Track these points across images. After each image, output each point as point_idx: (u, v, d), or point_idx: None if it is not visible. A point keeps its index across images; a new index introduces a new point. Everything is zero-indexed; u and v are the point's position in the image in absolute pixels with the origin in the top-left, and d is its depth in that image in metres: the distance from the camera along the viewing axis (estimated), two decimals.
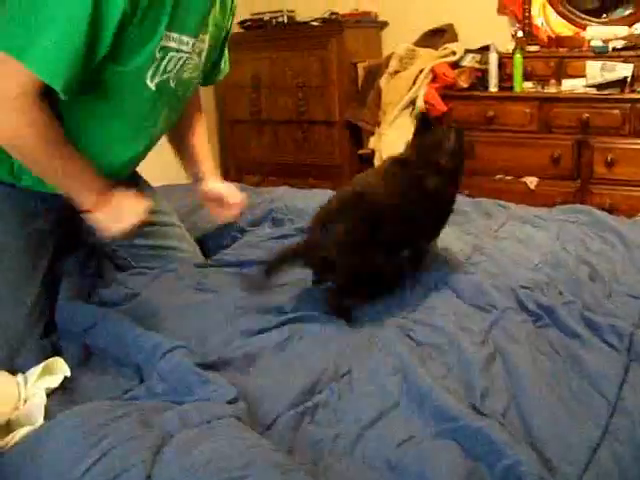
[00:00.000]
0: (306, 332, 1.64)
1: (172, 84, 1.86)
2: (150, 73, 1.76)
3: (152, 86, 1.79)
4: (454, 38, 4.50)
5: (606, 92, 3.73)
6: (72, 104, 1.69)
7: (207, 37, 1.93)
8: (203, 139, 2.30)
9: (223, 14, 2.02)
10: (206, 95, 4.94)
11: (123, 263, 2.15)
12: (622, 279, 1.90)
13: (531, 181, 3.90)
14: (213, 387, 1.35)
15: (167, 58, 1.77)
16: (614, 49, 3.85)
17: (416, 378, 1.41)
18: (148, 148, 2.03)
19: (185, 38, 1.80)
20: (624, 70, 3.72)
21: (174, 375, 1.41)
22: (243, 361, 1.53)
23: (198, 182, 2.24)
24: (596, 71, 3.79)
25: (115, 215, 1.77)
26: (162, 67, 1.78)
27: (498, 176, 4.00)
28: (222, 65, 2.24)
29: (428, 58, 4.27)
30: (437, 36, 4.51)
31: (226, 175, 5.14)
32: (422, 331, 1.64)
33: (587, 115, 3.73)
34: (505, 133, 4.00)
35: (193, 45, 1.85)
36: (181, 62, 1.83)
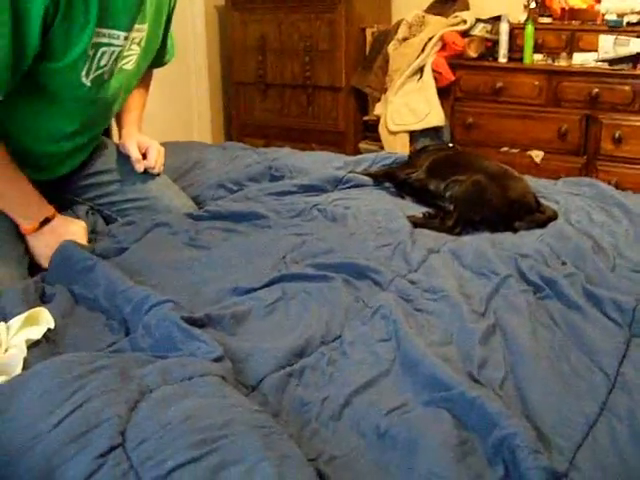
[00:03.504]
0: (298, 292, 1.60)
1: (106, 77, 1.86)
2: (84, 70, 1.77)
3: (87, 82, 1.80)
4: (465, 6, 4.43)
5: (618, 67, 3.67)
6: (9, 104, 1.71)
7: (145, 25, 1.93)
8: (137, 99, 2.30)
9: None
10: (212, 57, 4.90)
11: (110, 220, 2.17)
12: (626, 253, 1.86)
13: (537, 155, 3.85)
14: (198, 344, 1.31)
15: (99, 53, 1.77)
16: (628, 23, 3.78)
17: (410, 345, 1.37)
18: (95, 137, 2.13)
19: (116, 32, 1.80)
20: (638, 46, 3.65)
21: (159, 329, 1.37)
22: (231, 320, 1.48)
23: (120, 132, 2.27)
24: (609, 45, 3.72)
25: (53, 242, 1.77)
26: (95, 63, 1.78)
27: (504, 148, 3.95)
28: (168, 46, 2.27)
29: (438, 26, 4.20)
30: (448, 4, 4.44)
31: (229, 137, 5.10)
32: (421, 295, 1.60)
33: (597, 90, 3.67)
34: (513, 105, 3.94)
35: (126, 38, 1.85)
36: (114, 55, 1.83)
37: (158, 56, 2.20)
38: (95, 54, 1.76)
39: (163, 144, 2.62)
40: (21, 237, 1.85)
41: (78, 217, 2.06)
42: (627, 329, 1.46)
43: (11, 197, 1.82)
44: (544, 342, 1.42)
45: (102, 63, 1.80)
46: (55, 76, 1.74)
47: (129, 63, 1.94)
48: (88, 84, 1.80)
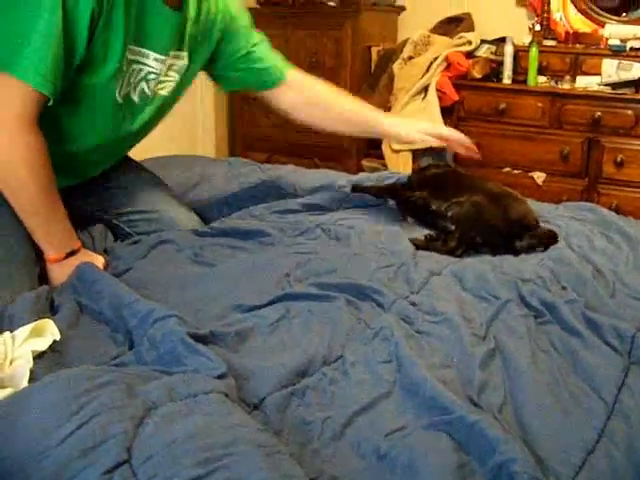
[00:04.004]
0: (301, 311, 1.60)
1: (135, 97, 1.87)
2: (118, 86, 1.79)
3: (119, 98, 1.81)
4: (471, 27, 4.46)
5: (620, 92, 3.69)
6: (46, 118, 1.71)
7: (185, 54, 1.94)
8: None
9: (207, 25, 2.02)
10: None
11: (121, 232, 2.18)
12: (626, 280, 1.86)
13: (538, 176, 3.87)
14: (203, 359, 1.31)
15: (131, 70, 1.79)
16: (632, 49, 3.82)
17: (411, 367, 1.37)
18: (122, 152, 2.13)
19: (147, 52, 1.81)
20: None
21: (164, 344, 1.38)
22: (235, 338, 1.49)
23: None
24: (612, 70, 3.75)
25: (71, 273, 1.78)
26: (126, 80, 1.80)
27: (506, 169, 3.97)
28: (268, 67, 2.27)
29: (443, 46, 4.23)
30: (453, 24, 4.47)
31: (233, 152, 5.11)
32: (422, 317, 1.61)
33: (599, 114, 3.70)
34: (516, 126, 3.97)
35: (162, 62, 1.86)
36: (143, 75, 1.84)
37: (258, 78, 2.24)
38: (127, 70, 1.78)
39: (167, 158, 2.64)
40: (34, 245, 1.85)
41: (93, 238, 2.07)
42: (626, 356, 1.47)
43: (47, 225, 1.80)
44: (543, 367, 1.42)
45: (132, 80, 1.81)
46: (89, 90, 1.75)
47: (164, 89, 1.95)
48: (120, 100, 1.81)
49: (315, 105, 2.32)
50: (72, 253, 1.84)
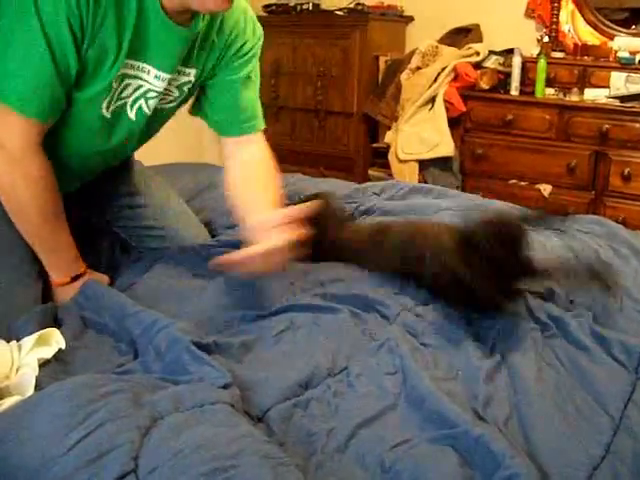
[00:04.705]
0: (305, 323, 1.61)
1: (129, 111, 1.82)
2: (106, 102, 1.75)
3: (107, 114, 1.77)
4: (479, 38, 4.47)
5: (629, 105, 3.68)
6: None
7: (193, 70, 1.87)
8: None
9: (222, 45, 1.93)
10: None
11: (127, 245, 2.17)
12: (634, 294, 1.85)
13: (545, 188, 3.86)
14: (208, 369, 1.32)
15: (123, 85, 1.75)
16: None
17: (416, 380, 1.37)
18: (106, 164, 2.04)
19: (146, 66, 1.76)
20: None
21: (170, 353, 1.38)
22: (239, 349, 1.50)
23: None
24: (620, 82, 3.75)
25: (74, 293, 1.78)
26: (117, 94, 1.76)
27: (512, 181, 3.97)
28: (249, 115, 2.06)
29: (451, 56, 4.23)
30: (462, 35, 4.47)
31: None
32: (427, 329, 1.61)
33: (607, 126, 3.69)
34: (523, 138, 3.97)
35: (167, 80, 1.81)
36: (141, 90, 1.79)
37: (235, 121, 2.04)
38: (119, 86, 1.73)
39: (173, 165, 2.63)
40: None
41: (100, 252, 2.08)
42: (633, 372, 1.46)
43: (51, 251, 1.81)
44: (550, 381, 1.42)
45: (124, 94, 1.77)
46: (77, 106, 1.73)
47: (163, 104, 1.90)
48: (108, 115, 1.78)
49: (247, 179, 2.01)
50: (77, 277, 1.84)
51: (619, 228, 2.39)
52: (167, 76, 1.79)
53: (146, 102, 1.81)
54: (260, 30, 2.06)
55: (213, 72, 1.95)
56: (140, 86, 1.77)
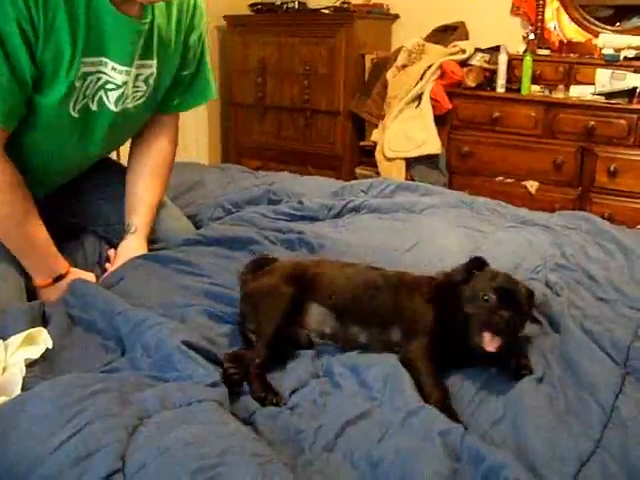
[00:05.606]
0: None
1: (91, 105, 1.81)
2: (72, 103, 1.75)
3: (75, 113, 1.78)
4: (465, 36, 4.47)
5: (614, 101, 3.70)
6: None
7: (153, 62, 1.88)
8: (152, 195, 2.11)
9: (177, 33, 1.95)
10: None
11: (111, 243, 2.15)
12: (621, 289, 1.86)
13: (531, 185, 3.87)
14: (196, 366, 1.32)
15: (86, 83, 1.75)
16: (625, 58, 3.81)
17: (401, 375, 1.38)
18: (84, 164, 2.05)
19: (104, 60, 1.76)
20: (634, 80, 3.69)
21: (159, 350, 1.38)
22: (229, 347, 1.50)
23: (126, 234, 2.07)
24: (605, 79, 3.75)
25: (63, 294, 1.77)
26: (81, 93, 1.76)
27: (499, 178, 3.97)
28: (203, 87, 2.17)
29: (437, 54, 4.23)
30: (447, 33, 4.48)
31: (226, 158, 5.11)
32: None
33: (593, 123, 3.70)
34: (509, 135, 3.97)
35: (128, 73, 1.81)
36: (100, 82, 1.79)
37: (186, 97, 2.12)
38: (82, 85, 1.74)
39: None
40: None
41: (85, 250, 2.08)
42: (622, 366, 1.46)
43: (29, 255, 1.81)
44: (541, 376, 1.42)
45: (87, 92, 1.77)
46: (45, 111, 1.73)
47: (132, 100, 1.89)
48: (76, 115, 1.78)
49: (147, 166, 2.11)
50: (59, 277, 1.84)
51: (605, 224, 2.40)
52: (127, 69, 1.80)
53: (106, 94, 1.81)
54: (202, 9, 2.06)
55: (182, 69, 2.02)
56: (99, 79, 1.78)
